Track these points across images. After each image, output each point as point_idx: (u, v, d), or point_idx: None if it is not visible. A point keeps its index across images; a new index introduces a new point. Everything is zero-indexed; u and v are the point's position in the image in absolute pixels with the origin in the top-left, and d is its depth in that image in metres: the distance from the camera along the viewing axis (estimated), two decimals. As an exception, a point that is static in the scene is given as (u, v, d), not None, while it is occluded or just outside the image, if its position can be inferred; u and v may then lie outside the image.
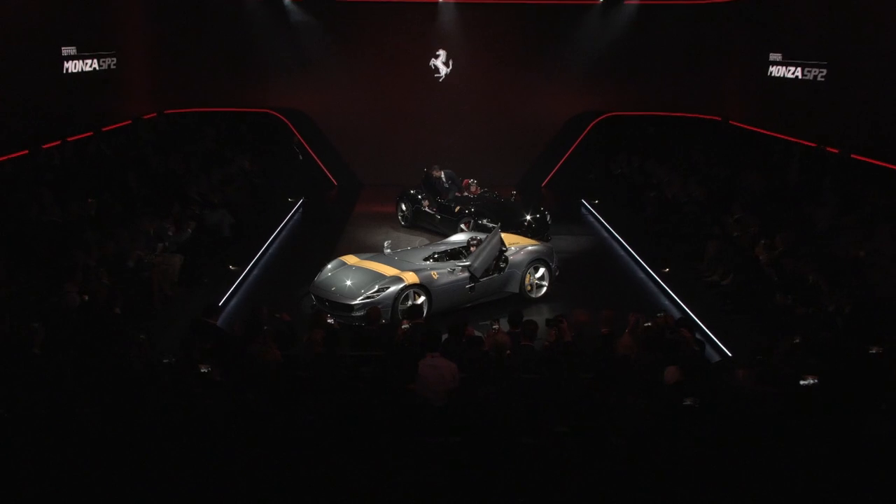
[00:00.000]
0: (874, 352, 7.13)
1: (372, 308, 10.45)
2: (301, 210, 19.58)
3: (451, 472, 5.08)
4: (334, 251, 15.01)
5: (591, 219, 19.53)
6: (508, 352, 8.03)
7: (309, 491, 5.07)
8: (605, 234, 18.05)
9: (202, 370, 6.36)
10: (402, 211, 18.41)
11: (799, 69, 16.96)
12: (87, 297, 9.00)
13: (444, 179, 18.14)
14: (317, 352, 7.61)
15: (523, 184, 22.25)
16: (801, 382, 5.93)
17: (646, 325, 9.04)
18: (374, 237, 16.80)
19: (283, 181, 20.07)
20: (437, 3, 21.73)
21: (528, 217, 17.03)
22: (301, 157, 20.57)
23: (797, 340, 7.77)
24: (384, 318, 11.26)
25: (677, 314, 12.73)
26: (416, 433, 5.62)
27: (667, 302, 13.58)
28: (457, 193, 18.04)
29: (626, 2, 21.47)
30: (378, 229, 17.89)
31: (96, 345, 7.88)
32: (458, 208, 17.28)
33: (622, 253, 16.58)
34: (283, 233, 17.45)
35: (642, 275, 15.11)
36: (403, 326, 8.87)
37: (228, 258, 14.28)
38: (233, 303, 12.99)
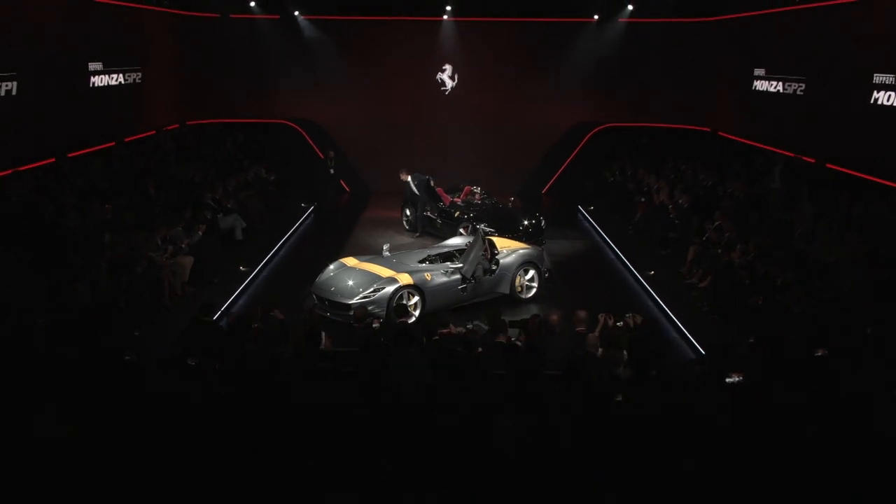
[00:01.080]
0: (819, 354, 7.15)
1: (359, 307, 10.58)
2: (313, 215, 19.74)
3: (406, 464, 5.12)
4: (341, 253, 15.02)
5: (587, 224, 19.56)
6: (480, 349, 8.14)
7: (276, 483, 5.13)
8: (598, 239, 18.08)
9: (190, 363, 6.54)
10: (407, 216, 18.54)
11: (780, 83, 16.97)
12: (94, 295, 9.19)
13: (412, 184, 17.99)
14: (299, 346, 7.70)
15: (525, 191, 22.41)
16: (727, 380, 5.99)
17: (617, 324, 9.12)
18: (380, 240, 16.85)
19: (297, 187, 20.28)
20: (442, 20, 21.87)
21: (526, 222, 17.12)
22: (333, 171, 20.47)
23: (752, 340, 7.82)
24: (380, 316, 11.38)
25: (658, 314, 12.90)
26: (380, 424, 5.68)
27: (650, 303, 13.61)
28: (453, 200, 18.12)
29: (620, 20, 21.51)
30: (384, 233, 17.99)
31: (100, 340, 7.99)
32: (457, 213, 17.39)
33: (612, 256, 16.62)
34: (295, 236, 17.60)
35: (629, 277, 15.14)
36: (374, 325, 8.99)
37: (239, 259, 14.44)
38: (241, 302, 13.14)
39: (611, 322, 8.91)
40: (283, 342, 8.69)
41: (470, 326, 9.18)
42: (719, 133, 20.48)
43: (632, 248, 16.27)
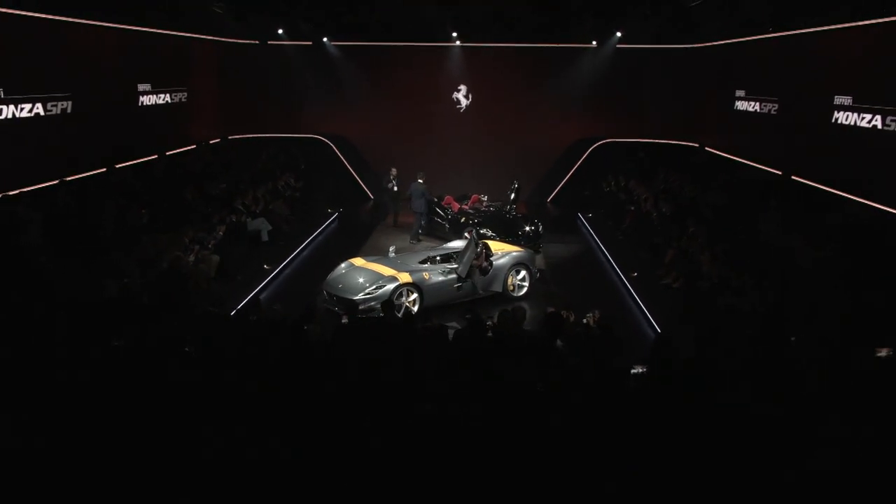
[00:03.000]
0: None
1: (351, 304, 10.81)
2: (338, 220, 19.97)
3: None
4: (357, 254, 15.08)
5: (585, 230, 19.58)
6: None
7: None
8: (593, 243, 18.11)
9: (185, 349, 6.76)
10: (421, 225, 18.60)
11: (758, 103, 16.85)
12: (120, 290, 9.44)
13: (416, 189, 17.97)
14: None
15: (531, 199, 22.53)
16: (632, 371, 6.02)
17: (582, 320, 9.20)
18: (394, 243, 16.94)
19: (325, 195, 20.53)
20: (453, 45, 22.07)
21: (526, 228, 17.20)
22: (396, 189, 19.80)
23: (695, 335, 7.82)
24: (379, 312, 11.54)
25: (636, 312, 12.93)
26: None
27: (630, 302, 13.64)
28: (461, 207, 18.25)
29: (617, 45, 21.51)
30: (399, 236, 18.14)
31: (124, 331, 8.15)
32: (463, 219, 17.51)
33: (603, 259, 16.65)
34: (319, 238, 17.83)
35: (615, 278, 15.17)
36: (343, 321, 9.14)
37: (264, 259, 14.69)
38: (263, 296, 13.34)
39: (572, 318, 8.99)
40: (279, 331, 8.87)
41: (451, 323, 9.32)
42: (706, 148, 20.36)
43: (620, 251, 16.30)
